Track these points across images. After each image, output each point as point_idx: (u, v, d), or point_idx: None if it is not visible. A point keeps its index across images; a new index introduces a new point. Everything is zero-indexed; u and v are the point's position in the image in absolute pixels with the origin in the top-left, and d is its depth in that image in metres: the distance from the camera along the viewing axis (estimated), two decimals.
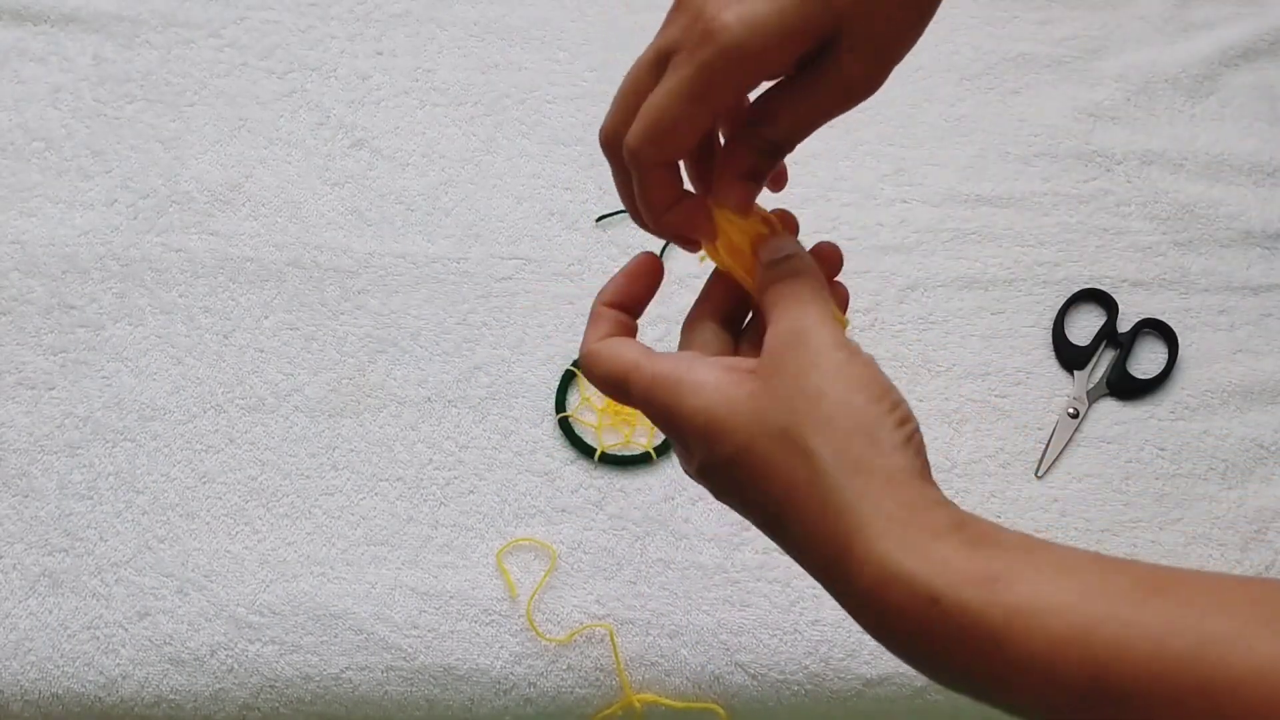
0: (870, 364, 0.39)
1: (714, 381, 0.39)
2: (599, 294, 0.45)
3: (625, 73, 0.44)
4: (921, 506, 0.36)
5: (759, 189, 0.44)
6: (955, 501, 0.73)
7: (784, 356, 0.39)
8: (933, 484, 0.38)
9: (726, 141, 0.44)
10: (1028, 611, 0.33)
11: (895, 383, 0.71)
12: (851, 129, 0.84)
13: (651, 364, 0.41)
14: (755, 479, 0.38)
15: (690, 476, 0.43)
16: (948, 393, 0.75)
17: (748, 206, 0.44)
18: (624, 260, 0.78)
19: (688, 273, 0.78)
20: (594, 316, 0.45)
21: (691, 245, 0.45)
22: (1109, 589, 0.33)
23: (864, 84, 0.40)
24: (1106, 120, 0.86)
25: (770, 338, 0.40)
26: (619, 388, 0.42)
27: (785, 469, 0.37)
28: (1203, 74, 0.88)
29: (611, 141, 0.43)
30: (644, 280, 0.46)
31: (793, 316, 0.40)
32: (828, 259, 0.46)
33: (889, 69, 0.41)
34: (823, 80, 0.40)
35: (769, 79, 0.41)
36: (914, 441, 0.38)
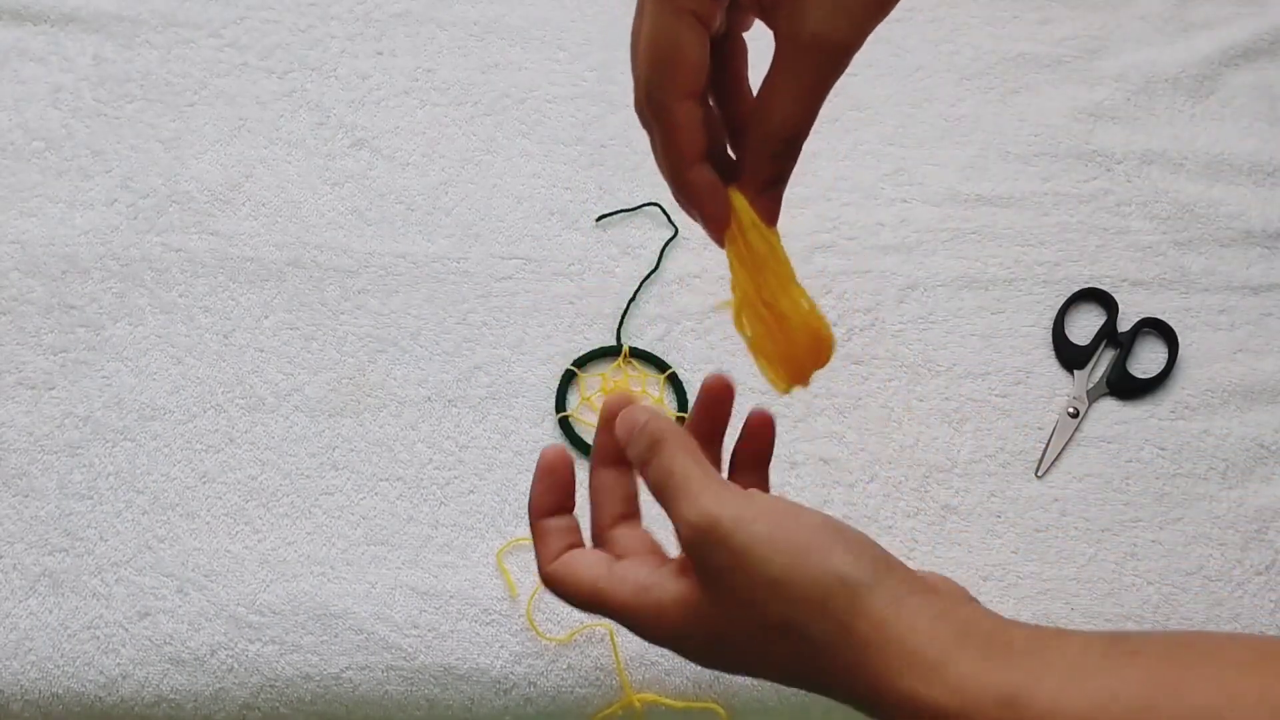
0: (788, 514, 0.39)
1: (671, 608, 0.40)
2: (530, 509, 0.45)
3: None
4: (922, 628, 0.36)
5: (781, 194, 0.44)
6: (955, 502, 0.73)
7: (709, 560, 0.39)
8: (919, 593, 0.38)
9: (739, 155, 0.43)
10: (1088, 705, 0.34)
11: (894, 382, 0.71)
12: (851, 129, 0.84)
13: (612, 590, 0.41)
14: (763, 668, 0.40)
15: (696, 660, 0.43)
16: (948, 392, 0.75)
17: (775, 216, 0.43)
18: (624, 260, 0.79)
19: (687, 272, 0.78)
20: (538, 534, 0.44)
21: (714, 226, 0.44)
22: (1125, 693, 0.34)
23: (836, 37, 0.39)
24: (1106, 120, 0.86)
25: (682, 537, 0.40)
26: (590, 609, 0.43)
27: (784, 654, 0.38)
28: (1203, 74, 0.88)
29: (637, 104, 0.43)
30: (560, 474, 0.45)
31: (685, 508, 0.39)
32: (757, 433, 0.46)
33: (862, 21, 0.39)
34: (798, 40, 0.39)
35: None
36: (878, 562, 0.38)
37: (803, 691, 0.66)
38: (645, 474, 0.42)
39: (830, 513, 0.75)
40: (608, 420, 0.44)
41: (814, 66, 0.40)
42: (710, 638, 0.40)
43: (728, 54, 0.43)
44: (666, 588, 0.40)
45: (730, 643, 0.39)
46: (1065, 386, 0.76)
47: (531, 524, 0.45)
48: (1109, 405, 0.76)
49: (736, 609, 0.38)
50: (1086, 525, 0.72)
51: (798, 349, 0.44)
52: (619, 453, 0.44)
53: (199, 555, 0.69)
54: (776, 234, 0.44)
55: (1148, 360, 0.77)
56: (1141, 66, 0.88)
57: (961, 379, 0.76)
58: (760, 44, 0.42)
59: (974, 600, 0.40)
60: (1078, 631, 0.37)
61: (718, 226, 0.43)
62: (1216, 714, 0.33)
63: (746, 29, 0.44)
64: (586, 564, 0.43)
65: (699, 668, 0.66)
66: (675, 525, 0.40)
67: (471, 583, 0.68)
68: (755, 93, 0.45)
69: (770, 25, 0.41)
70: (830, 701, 0.69)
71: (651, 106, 0.41)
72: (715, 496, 0.39)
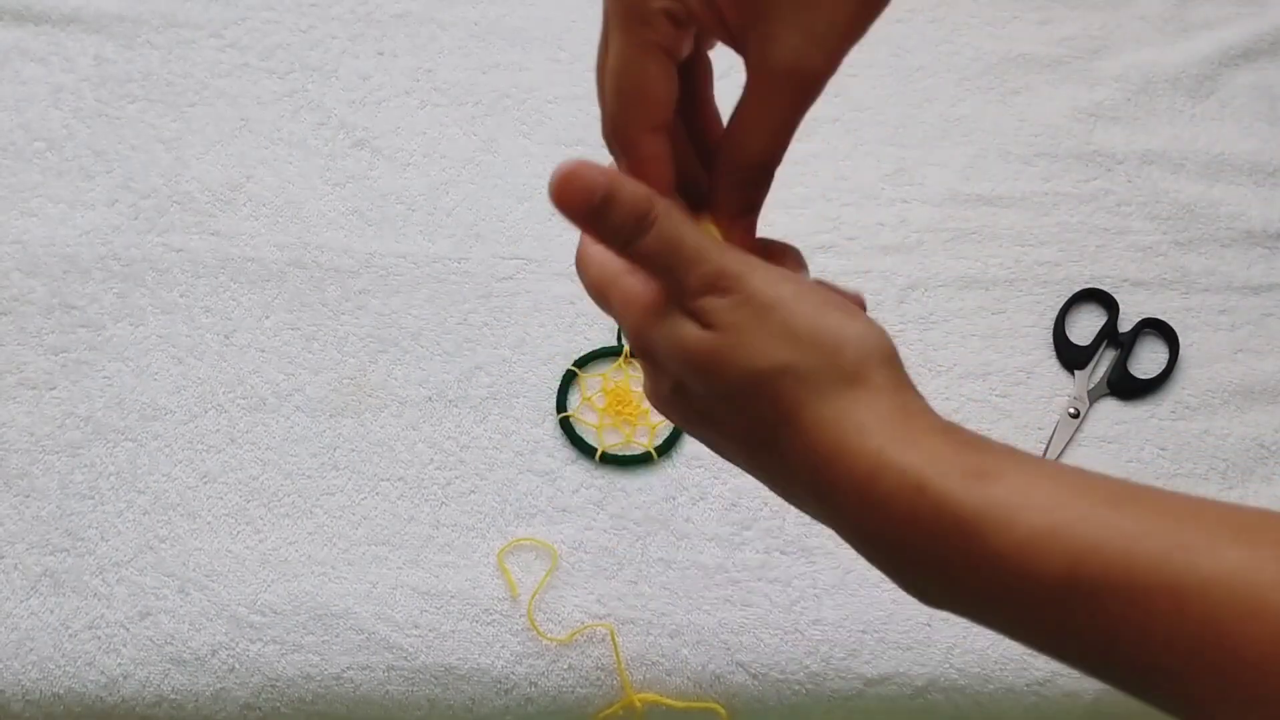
0: (813, 285, 0.40)
1: (685, 334, 0.39)
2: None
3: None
4: (913, 410, 0.38)
5: (755, 222, 0.43)
6: None
7: (727, 315, 0.38)
8: (917, 392, 0.39)
9: (713, 184, 0.43)
10: (1010, 504, 0.34)
11: None
12: (851, 129, 0.84)
13: (633, 286, 0.40)
14: (748, 410, 0.39)
15: (653, 400, 0.43)
16: (949, 392, 0.75)
17: (753, 243, 0.43)
18: None
19: None
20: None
21: None
22: (1089, 492, 0.35)
23: (809, 66, 0.39)
24: (1107, 120, 0.86)
25: (699, 298, 0.39)
26: (601, 299, 0.42)
27: (766, 401, 0.38)
28: (1203, 74, 0.88)
29: (605, 135, 0.42)
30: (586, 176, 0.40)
31: (707, 269, 0.38)
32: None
33: (834, 50, 0.39)
34: (770, 69, 0.39)
35: (704, 23, 0.39)
36: (893, 356, 0.39)
37: (803, 691, 0.66)
38: (638, 248, 0.38)
39: None
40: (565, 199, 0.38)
41: (787, 95, 0.40)
42: (700, 373, 0.39)
43: (692, 74, 0.43)
44: (681, 317, 0.39)
45: (717, 382, 0.38)
46: (1066, 387, 0.76)
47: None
48: (1110, 405, 0.76)
49: (735, 354, 0.38)
50: None
51: None
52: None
53: (200, 555, 0.69)
54: None
55: (1148, 360, 0.77)
56: (1142, 67, 0.88)
57: (962, 379, 0.76)
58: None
59: None
60: None
61: None
62: (1177, 521, 0.33)
63: (710, 48, 0.43)
64: (612, 255, 0.40)
65: (699, 667, 0.66)
66: (689, 288, 0.38)
67: (472, 583, 0.68)
68: (718, 110, 0.44)
69: (740, 53, 0.40)
70: (830, 702, 0.70)
71: (619, 140, 0.41)
72: (739, 258, 0.39)
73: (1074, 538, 0.33)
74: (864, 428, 0.37)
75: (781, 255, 0.43)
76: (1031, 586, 0.34)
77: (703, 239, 0.39)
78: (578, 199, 0.37)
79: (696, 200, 0.43)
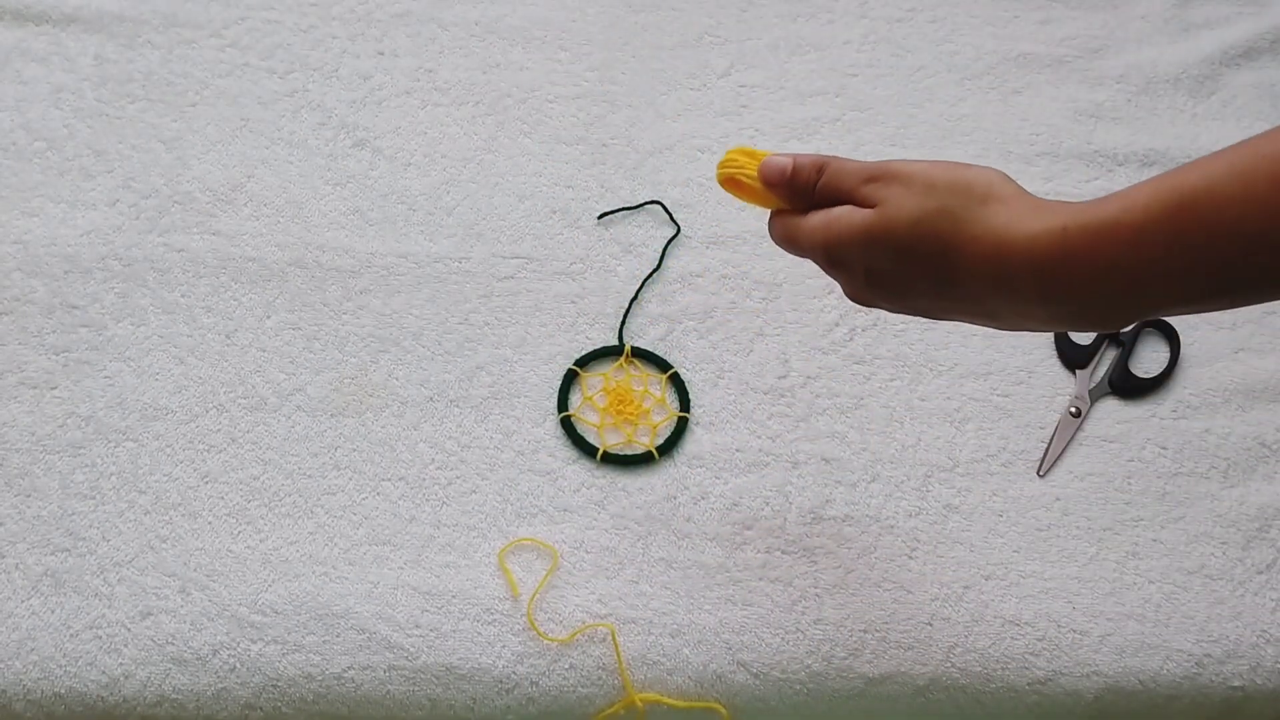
0: (945, 160, 0.52)
1: (864, 214, 0.53)
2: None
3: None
4: (1038, 200, 0.50)
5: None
6: (957, 501, 0.73)
7: (880, 192, 0.52)
8: (1039, 198, 0.50)
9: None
10: (1128, 198, 0.47)
11: (897, 382, 0.73)
12: (852, 129, 0.84)
13: (813, 223, 0.54)
14: (921, 255, 0.51)
15: (855, 299, 0.56)
16: (950, 392, 0.75)
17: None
18: (626, 258, 0.79)
19: (689, 271, 0.78)
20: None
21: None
22: (1181, 168, 0.47)
23: None
24: (1108, 120, 0.86)
25: (859, 187, 0.53)
26: (791, 245, 0.57)
27: (930, 234, 0.50)
28: (1204, 73, 0.88)
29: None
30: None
31: (863, 169, 0.53)
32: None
33: None
34: None
35: None
36: (1009, 178, 0.51)
37: (804, 690, 0.66)
38: (819, 191, 0.55)
39: (832, 513, 0.75)
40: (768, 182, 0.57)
41: None
42: (877, 242, 0.51)
43: None
44: (850, 214, 0.53)
45: (891, 242, 0.51)
46: (1067, 386, 0.76)
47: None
48: (1111, 405, 0.76)
49: (897, 214, 0.51)
50: (1088, 524, 0.72)
51: None
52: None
53: (201, 555, 0.69)
54: None
55: (1149, 359, 0.77)
56: (1143, 66, 0.88)
57: (963, 378, 0.76)
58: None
59: None
60: None
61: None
62: (1267, 144, 0.45)
63: None
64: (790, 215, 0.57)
65: (701, 667, 0.66)
66: (851, 187, 0.53)
67: (474, 582, 0.68)
68: None
69: None
70: (831, 702, 0.69)
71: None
72: (883, 161, 0.53)
73: (1175, 182, 0.46)
74: (1010, 224, 0.49)
75: None
76: (1156, 229, 0.45)
77: (862, 165, 0.53)
78: (775, 176, 0.56)
79: None
